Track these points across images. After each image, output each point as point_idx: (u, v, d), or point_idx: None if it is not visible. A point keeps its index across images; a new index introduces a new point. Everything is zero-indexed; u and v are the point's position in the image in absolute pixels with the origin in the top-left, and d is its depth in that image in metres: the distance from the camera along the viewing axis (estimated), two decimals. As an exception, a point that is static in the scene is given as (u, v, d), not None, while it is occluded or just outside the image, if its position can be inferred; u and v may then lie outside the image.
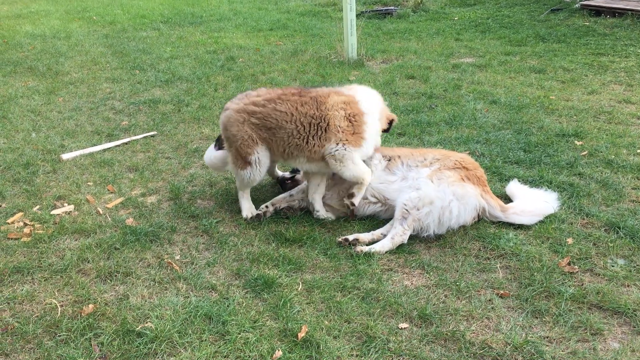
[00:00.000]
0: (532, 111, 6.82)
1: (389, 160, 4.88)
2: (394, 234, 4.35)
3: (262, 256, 4.25)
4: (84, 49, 11.25)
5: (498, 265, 4.06)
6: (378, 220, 4.73)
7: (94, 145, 6.42)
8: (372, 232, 4.50)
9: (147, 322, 3.56)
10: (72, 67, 9.92)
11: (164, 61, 10.00)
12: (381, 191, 4.75)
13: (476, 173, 4.65)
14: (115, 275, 4.08)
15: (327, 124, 4.54)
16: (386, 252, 4.27)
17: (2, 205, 5.16)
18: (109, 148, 6.34)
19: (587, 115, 6.58)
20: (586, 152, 5.64)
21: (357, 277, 3.99)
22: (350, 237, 4.38)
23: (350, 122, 4.55)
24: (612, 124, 6.33)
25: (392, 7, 13.88)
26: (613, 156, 5.51)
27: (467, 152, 5.73)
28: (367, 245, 4.36)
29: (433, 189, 4.41)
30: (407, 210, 4.38)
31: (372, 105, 4.71)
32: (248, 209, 4.85)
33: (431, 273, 4.03)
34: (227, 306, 3.70)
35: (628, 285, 3.77)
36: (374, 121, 4.68)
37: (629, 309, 3.53)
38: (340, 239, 4.39)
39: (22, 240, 4.56)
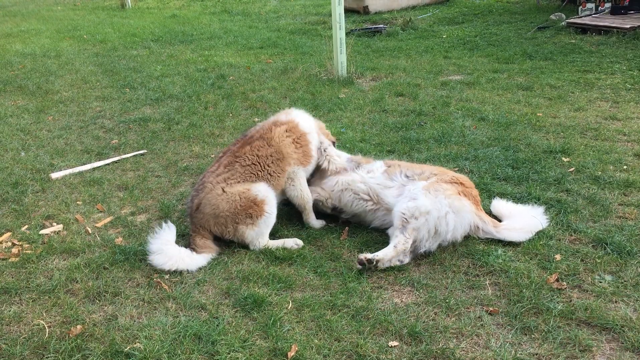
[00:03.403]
0: (520, 128, 6.89)
1: (389, 166, 4.97)
2: (397, 242, 4.33)
3: (252, 275, 4.25)
4: (74, 67, 11.26)
5: (487, 282, 4.08)
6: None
7: (84, 164, 6.41)
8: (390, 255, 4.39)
9: (135, 343, 3.54)
10: (62, 85, 9.92)
11: (155, 79, 10.02)
12: (376, 191, 4.83)
13: (472, 192, 4.70)
14: (104, 295, 4.06)
15: (282, 155, 4.84)
16: (388, 261, 4.26)
17: (-9, 225, 5.14)
18: (99, 167, 6.33)
19: (574, 132, 6.65)
20: (573, 168, 5.69)
21: (347, 295, 3.99)
22: (370, 256, 4.28)
23: (297, 144, 4.94)
24: (599, 140, 6.39)
25: (382, 25, 14.00)
26: (600, 172, 5.56)
27: (456, 169, 5.77)
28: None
29: (430, 199, 4.44)
30: (405, 219, 4.40)
31: (310, 124, 5.13)
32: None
33: (421, 290, 4.04)
34: (217, 325, 3.69)
35: (616, 301, 3.79)
36: (315, 138, 5.10)
37: (617, 325, 3.55)
38: (360, 258, 4.28)
39: (10, 260, 4.54)
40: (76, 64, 11.51)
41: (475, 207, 4.62)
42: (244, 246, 4.65)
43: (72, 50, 12.95)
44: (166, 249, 4.32)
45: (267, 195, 4.63)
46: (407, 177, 4.80)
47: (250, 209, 4.54)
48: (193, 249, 4.45)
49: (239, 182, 4.66)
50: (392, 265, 4.30)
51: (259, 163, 4.76)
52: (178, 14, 18.30)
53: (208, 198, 4.58)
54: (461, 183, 4.67)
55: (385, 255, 4.28)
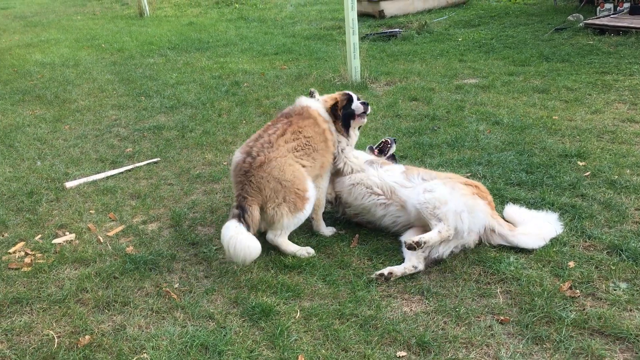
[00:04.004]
0: (535, 132, 6.79)
1: (407, 169, 4.98)
2: (440, 229, 4.26)
3: (261, 283, 4.23)
4: (92, 76, 11.39)
5: (498, 290, 4.01)
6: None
7: (98, 172, 6.46)
8: (403, 265, 4.31)
9: (142, 353, 3.54)
10: (80, 94, 10.03)
11: (170, 87, 10.09)
12: (392, 188, 4.81)
13: (487, 196, 4.66)
14: (113, 305, 4.07)
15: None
16: (433, 245, 4.24)
17: (5, 234, 5.19)
18: (113, 175, 6.38)
19: (590, 135, 6.54)
20: (589, 172, 5.59)
21: (356, 304, 3.96)
22: (385, 272, 4.23)
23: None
24: (616, 143, 6.28)
25: (397, 29, 13.94)
26: (616, 176, 5.46)
27: (469, 174, 5.71)
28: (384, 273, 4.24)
29: (447, 191, 4.42)
30: (431, 209, 4.36)
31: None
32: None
33: (430, 299, 3.99)
34: (224, 335, 3.68)
35: (630, 310, 3.70)
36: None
37: (631, 334, 3.47)
38: (375, 275, 4.23)
39: (22, 270, 4.58)
40: (93, 73, 11.64)
41: (490, 209, 4.57)
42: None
43: (90, 60, 13.11)
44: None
45: (313, 194, 4.66)
46: (423, 179, 4.76)
47: (298, 197, 4.53)
48: (244, 220, 4.32)
49: (301, 159, 4.70)
50: (406, 273, 4.24)
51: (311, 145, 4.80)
52: (195, 21, 18.42)
53: (279, 161, 4.56)
54: (476, 186, 4.63)
55: (431, 238, 4.20)
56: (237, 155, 4.69)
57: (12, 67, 12.65)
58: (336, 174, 5.15)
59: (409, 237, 4.51)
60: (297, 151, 4.71)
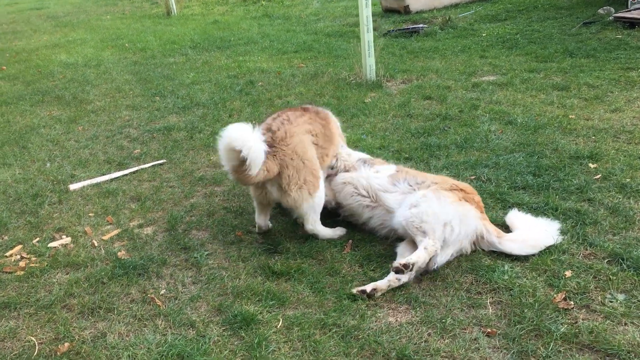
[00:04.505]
0: (549, 131, 6.55)
1: (397, 172, 4.84)
2: (426, 244, 4.08)
3: (247, 290, 4.16)
4: (111, 76, 11.50)
5: (489, 301, 3.86)
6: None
7: (103, 174, 6.49)
8: (387, 278, 4.13)
9: (117, 362, 3.51)
10: (97, 95, 10.13)
11: (185, 87, 10.11)
12: (376, 191, 4.70)
13: (474, 197, 4.50)
14: (98, 312, 4.05)
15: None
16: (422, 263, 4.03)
17: (4, 237, 5.24)
18: (117, 177, 6.39)
19: (606, 135, 6.27)
20: (600, 175, 5.35)
21: (340, 313, 3.85)
22: (368, 288, 4.04)
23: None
24: (632, 144, 6.01)
25: (420, 25, 13.70)
26: (628, 179, 5.21)
27: (473, 177, 5.54)
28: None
29: (433, 203, 4.27)
30: (419, 222, 4.20)
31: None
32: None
33: (418, 309, 3.86)
34: (202, 345, 3.62)
35: (625, 324, 3.51)
36: None
37: (622, 350, 3.28)
38: (356, 291, 4.05)
39: (15, 274, 4.60)
40: (113, 73, 11.75)
41: (479, 212, 4.41)
42: (243, 259, 4.56)
43: (112, 59, 13.25)
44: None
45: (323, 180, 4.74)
46: (409, 185, 4.61)
47: (313, 179, 4.53)
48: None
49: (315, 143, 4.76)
50: (391, 286, 4.09)
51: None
52: (220, 19, 18.46)
53: (300, 137, 4.56)
54: (461, 189, 4.46)
55: (418, 257, 4.01)
56: None
57: (37, 68, 12.88)
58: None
59: (402, 250, 4.39)
60: (312, 135, 4.73)
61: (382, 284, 4.04)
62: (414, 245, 4.29)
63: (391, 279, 4.05)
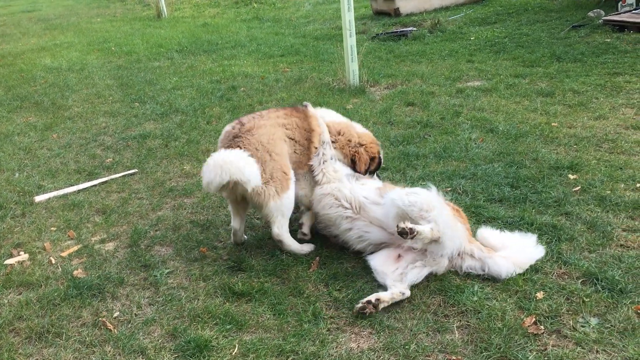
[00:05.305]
0: (530, 140, 6.36)
1: (384, 186, 4.66)
2: (432, 227, 3.88)
3: (204, 313, 3.96)
4: (93, 81, 11.30)
5: (455, 325, 3.66)
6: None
7: (71, 185, 6.29)
8: (390, 291, 3.94)
9: (57, 394, 3.31)
10: (76, 100, 9.93)
11: (166, 92, 9.91)
12: (362, 204, 4.48)
13: (465, 223, 4.30)
14: (46, 336, 3.85)
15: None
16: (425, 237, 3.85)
17: (-39, 254, 5.05)
18: (85, 188, 6.19)
19: (588, 144, 6.09)
20: (579, 187, 5.17)
21: (300, 339, 3.65)
22: (373, 298, 3.85)
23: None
24: (614, 153, 5.82)
25: (408, 29, 13.51)
26: (608, 192, 5.03)
27: (449, 189, 5.35)
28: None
29: (434, 198, 4.06)
30: (419, 210, 3.96)
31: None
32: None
33: (382, 333, 3.66)
34: (150, 374, 3.43)
35: (597, 351, 3.31)
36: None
37: (591, 382, 3.09)
38: (359, 305, 3.84)
39: (-34, 294, 4.41)
40: (95, 78, 11.54)
41: (468, 234, 4.23)
42: (205, 278, 4.37)
43: (96, 64, 13.04)
44: None
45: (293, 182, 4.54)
46: None
47: (284, 178, 4.36)
48: None
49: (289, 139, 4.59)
50: (395, 299, 3.88)
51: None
52: (210, 22, 18.28)
53: (268, 129, 4.42)
54: (456, 210, 4.29)
55: (423, 230, 3.83)
56: (227, 126, 4.58)
57: (20, 72, 12.67)
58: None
59: (383, 255, 4.23)
60: (287, 129, 4.54)
61: (385, 295, 3.88)
62: (389, 256, 4.14)
63: (395, 292, 3.88)
